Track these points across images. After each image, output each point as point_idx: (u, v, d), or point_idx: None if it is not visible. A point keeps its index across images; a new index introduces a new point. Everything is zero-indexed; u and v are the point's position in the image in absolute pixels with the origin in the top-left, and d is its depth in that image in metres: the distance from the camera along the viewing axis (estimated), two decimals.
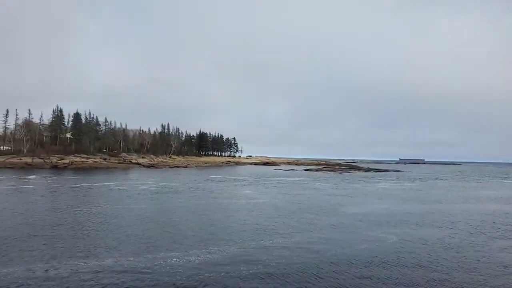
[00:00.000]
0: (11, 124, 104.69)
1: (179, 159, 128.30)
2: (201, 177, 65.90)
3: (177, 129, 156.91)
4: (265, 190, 41.55)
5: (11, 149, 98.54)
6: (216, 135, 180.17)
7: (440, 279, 11.48)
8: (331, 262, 12.88)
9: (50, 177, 56.84)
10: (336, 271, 12.03)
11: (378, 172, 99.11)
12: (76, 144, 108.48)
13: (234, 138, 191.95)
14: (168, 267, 12.11)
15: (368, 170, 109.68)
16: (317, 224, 20.44)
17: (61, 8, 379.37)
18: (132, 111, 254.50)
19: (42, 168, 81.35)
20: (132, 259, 13.02)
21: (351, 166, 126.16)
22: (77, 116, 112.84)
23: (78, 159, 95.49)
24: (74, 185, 43.60)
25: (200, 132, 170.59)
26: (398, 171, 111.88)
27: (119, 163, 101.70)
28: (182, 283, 10.68)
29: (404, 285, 10.86)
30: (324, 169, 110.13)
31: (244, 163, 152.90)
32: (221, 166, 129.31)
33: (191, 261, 12.91)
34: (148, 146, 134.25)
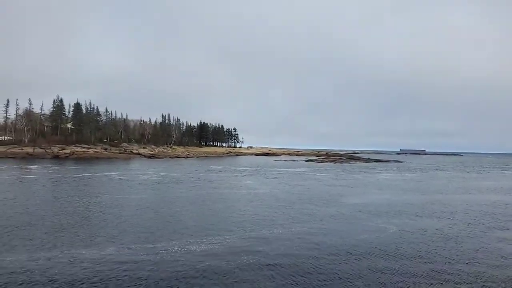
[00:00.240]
0: (12, 114, 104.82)
1: (180, 150, 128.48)
2: (202, 167, 66.05)
3: (178, 120, 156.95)
4: (266, 181, 41.66)
5: (12, 139, 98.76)
6: (217, 125, 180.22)
7: (439, 269, 11.58)
8: (330, 253, 12.98)
9: (52, 167, 57.03)
10: (335, 262, 12.13)
11: (378, 163, 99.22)
12: (77, 134, 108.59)
13: (234, 129, 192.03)
14: (169, 256, 12.22)
15: (368, 160, 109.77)
16: (317, 215, 20.54)
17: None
18: (133, 101, 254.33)
19: (43, 158, 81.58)
20: (133, 248, 13.13)
21: (351, 157, 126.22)
22: (77, 106, 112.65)
23: (79, 149, 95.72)
24: (75, 175, 43.77)
25: (201, 122, 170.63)
26: (398, 161, 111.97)
27: (120, 153, 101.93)
28: (182, 272, 10.79)
29: (403, 276, 10.95)
30: (325, 159, 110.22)
31: (245, 154, 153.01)
32: (221, 156, 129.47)
33: (192, 250, 13.02)
34: (149, 137, 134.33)
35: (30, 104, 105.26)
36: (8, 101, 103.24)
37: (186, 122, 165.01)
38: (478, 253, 13.47)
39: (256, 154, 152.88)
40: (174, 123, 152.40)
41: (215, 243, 13.97)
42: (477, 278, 10.80)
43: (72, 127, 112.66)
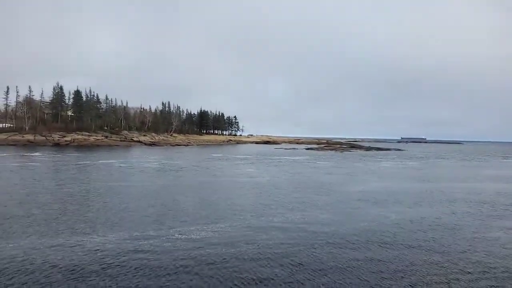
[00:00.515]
0: (12, 102, 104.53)
1: (180, 138, 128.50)
2: (203, 155, 66.19)
3: (178, 107, 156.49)
4: (267, 169, 41.78)
5: (13, 126, 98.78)
6: (217, 113, 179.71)
7: (437, 258, 11.67)
8: (329, 242, 13.03)
9: (54, 154, 57.19)
10: (333, 251, 12.24)
11: (379, 151, 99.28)
12: (77, 121, 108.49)
13: (235, 117, 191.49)
14: (169, 244, 12.34)
15: (369, 149, 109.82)
16: (317, 203, 20.65)
17: None
18: (133, 89, 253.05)
19: (44, 146, 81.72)
20: (133, 235, 13.25)
21: (352, 145, 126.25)
22: (77, 93, 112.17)
23: (80, 136, 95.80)
24: (77, 162, 43.91)
25: (201, 110, 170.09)
26: (399, 150, 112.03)
27: (120, 141, 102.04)
28: (183, 259, 10.90)
29: (400, 265, 11.05)
30: (325, 148, 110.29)
31: (245, 142, 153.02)
32: (222, 144, 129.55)
33: (192, 238, 13.14)
34: (149, 124, 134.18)
35: (30, 91, 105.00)
36: (8, 88, 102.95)
37: (187, 110, 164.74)
38: (477, 242, 13.57)
39: (257, 142, 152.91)
40: (174, 111, 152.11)
41: (216, 231, 14.08)
42: (475, 267, 10.90)
43: (72, 114, 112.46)
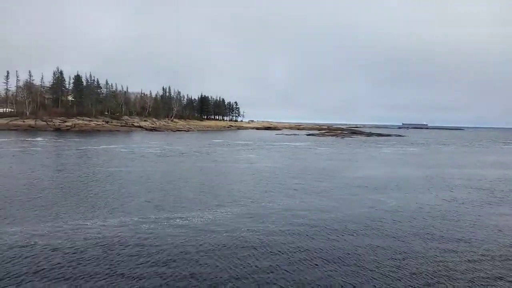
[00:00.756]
0: (12, 86, 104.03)
1: (181, 123, 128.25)
2: (204, 141, 66.21)
3: (179, 93, 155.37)
4: (268, 155, 41.83)
5: (13, 111, 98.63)
6: (218, 99, 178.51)
7: (436, 246, 11.77)
8: (328, 228, 13.10)
9: (55, 139, 57.28)
10: (332, 237, 12.34)
11: (380, 137, 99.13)
12: (77, 106, 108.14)
13: (236, 102, 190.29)
14: (170, 228, 12.46)
15: (370, 135, 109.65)
16: (317, 189, 20.73)
17: None
18: (133, 74, 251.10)
19: (45, 131, 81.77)
20: (135, 219, 13.37)
21: (353, 131, 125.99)
22: (78, 78, 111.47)
23: (80, 121, 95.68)
24: (79, 147, 44.00)
25: (201, 95, 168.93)
26: (400, 136, 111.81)
27: (121, 126, 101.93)
28: (184, 243, 11.02)
29: (398, 252, 11.14)
30: (326, 133, 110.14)
31: (246, 128, 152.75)
32: (223, 130, 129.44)
33: (193, 222, 13.26)
34: (150, 109, 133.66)
35: (30, 76, 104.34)
36: (8, 72, 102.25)
37: (187, 95, 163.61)
38: (475, 227, 13.66)
39: (257, 128, 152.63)
40: (174, 96, 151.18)
41: (216, 215, 14.19)
42: (473, 254, 10.99)
43: (73, 99, 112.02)
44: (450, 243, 11.78)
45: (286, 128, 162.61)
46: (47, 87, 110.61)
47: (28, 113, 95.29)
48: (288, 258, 10.15)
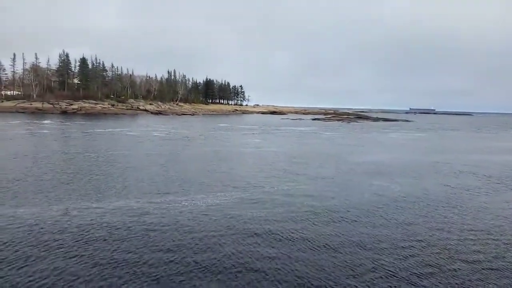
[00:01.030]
0: (19, 69, 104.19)
1: (186, 107, 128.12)
2: (209, 125, 66.21)
3: (184, 76, 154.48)
4: (273, 139, 41.76)
5: (21, 94, 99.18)
6: (223, 82, 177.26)
7: (440, 233, 11.73)
8: (331, 215, 13.01)
9: (62, 122, 57.74)
10: (335, 224, 12.36)
11: (387, 122, 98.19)
12: (84, 90, 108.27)
13: (241, 86, 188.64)
14: (176, 211, 12.58)
15: (377, 119, 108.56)
16: (322, 175, 20.70)
17: None
18: (138, 57, 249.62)
19: (52, 113, 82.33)
20: (140, 201, 13.52)
21: (359, 116, 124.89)
22: (83, 61, 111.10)
23: (86, 105, 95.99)
24: (85, 130, 44.34)
25: (207, 79, 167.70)
26: (407, 121, 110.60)
27: (127, 109, 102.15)
28: (188, 226, 11.14)
29: (401, 240, 11.14)
30: (332, 118, 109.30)
31: (251, 112, 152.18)
32: (228, 114, 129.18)
33: (198, 205, 13.37)
34: (155, 93, 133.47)
35: (36, 59, 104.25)
36: (14, 55, 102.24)
37: (192, 78, 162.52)
38: (480, 213, 13.58)
39: (263, 113, 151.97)
40: (180, 80, 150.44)
41: (222, 198, 14.28)
42: (477, 239, 10.96)
43: (79, 82, 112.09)
44: (455, 230, 11.74)
45: (291, 112, 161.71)
46: (53, 70, 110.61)
47: (35, 95, 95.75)
48: (291, 244, 10.19)
